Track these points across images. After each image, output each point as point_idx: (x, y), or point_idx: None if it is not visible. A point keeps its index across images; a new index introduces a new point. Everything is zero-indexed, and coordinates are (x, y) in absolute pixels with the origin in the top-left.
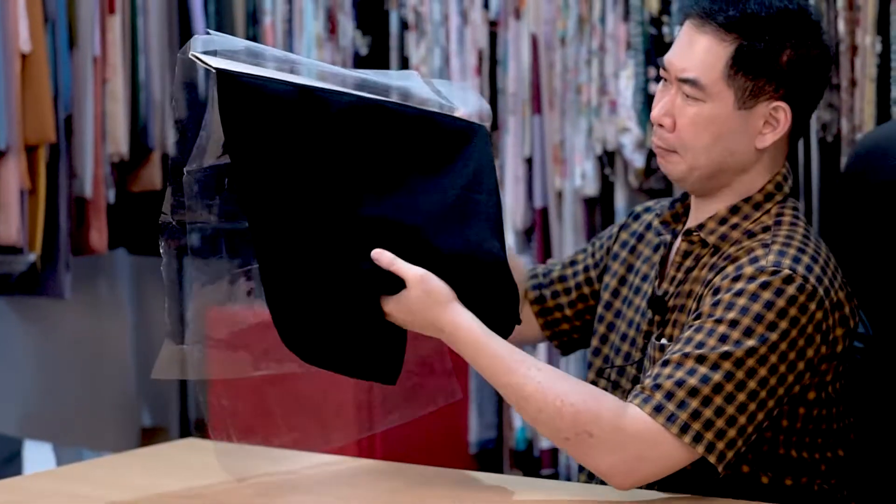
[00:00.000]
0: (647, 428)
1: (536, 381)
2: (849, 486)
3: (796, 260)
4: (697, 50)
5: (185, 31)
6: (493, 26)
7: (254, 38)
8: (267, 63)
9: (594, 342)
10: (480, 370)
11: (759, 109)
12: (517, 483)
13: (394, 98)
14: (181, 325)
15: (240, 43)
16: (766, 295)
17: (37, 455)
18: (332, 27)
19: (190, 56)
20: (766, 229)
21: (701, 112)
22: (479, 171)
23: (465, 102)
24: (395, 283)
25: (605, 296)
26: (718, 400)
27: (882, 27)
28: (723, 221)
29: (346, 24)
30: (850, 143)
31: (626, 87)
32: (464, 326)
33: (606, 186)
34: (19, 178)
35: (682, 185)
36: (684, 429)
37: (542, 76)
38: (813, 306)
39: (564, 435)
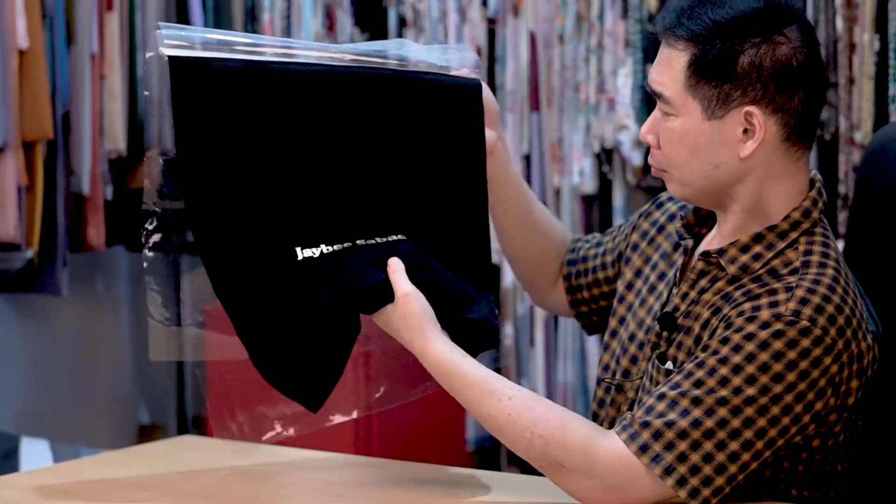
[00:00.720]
0: (627, 463)
1: (507, 413)
2: None
3: (819, 309)
4: (664, 65)
5: None
6: (492, 24)
7: None
8: (251, 48)
9: (605, 337)
10: (456, 398)
11: (732, 117)
12: (514, 481)
13: (391, 65)
14: (177, 307)
15: (208, 33)
16: (777, 345)
17: (34, 452)
18: (330, 24)
19: (158, 53)
20: (793, 272)
21: (674, 126)
22: (469, 136)
23: (462, 61)
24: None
25: (621, 288)
26: (709, 446)
27: (880, 25)
28: (745, 249)
29: (345, 21)
30: (848, 141)
31: (624, 84)
32: (432, 357)
33: (604, 184)
34: (17, 175)
35: (688, 203)
36: (668, 471)
37: (541, 74)
38: (828, 360)
39: (538, 463)
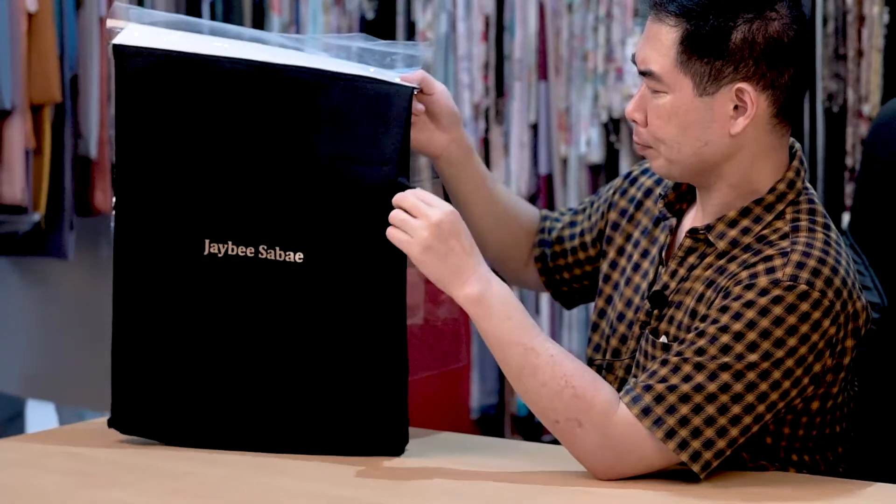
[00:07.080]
0: (632, 429)
1: (550, 354)
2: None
3: (815, 272)
4: (653, 41)
5: None
6: None
7: (260, 4)
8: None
9: (593, 317)
10: (489, 327)
11: (723, 94)
12: (518, 448)
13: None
14: None
15: (167, 16)
16: (777, 311)
17: (39, 415)
18: None
19: (108, 27)
20: (784, 237)
21: (664, 104)
22: (390, 145)
23: (410, 62)
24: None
25: (605, 268)
26: (711, 409)
27: None
28: (733, 224)
29: None
30: (856, 113)
31: (632, 54)
32: (474, 293)
33: (611, 153)
34: (24, 138)
35: (672, 179)
36: (670, 434)
37: (549, 43)
38: (827, 322)
39: (556, 417)
